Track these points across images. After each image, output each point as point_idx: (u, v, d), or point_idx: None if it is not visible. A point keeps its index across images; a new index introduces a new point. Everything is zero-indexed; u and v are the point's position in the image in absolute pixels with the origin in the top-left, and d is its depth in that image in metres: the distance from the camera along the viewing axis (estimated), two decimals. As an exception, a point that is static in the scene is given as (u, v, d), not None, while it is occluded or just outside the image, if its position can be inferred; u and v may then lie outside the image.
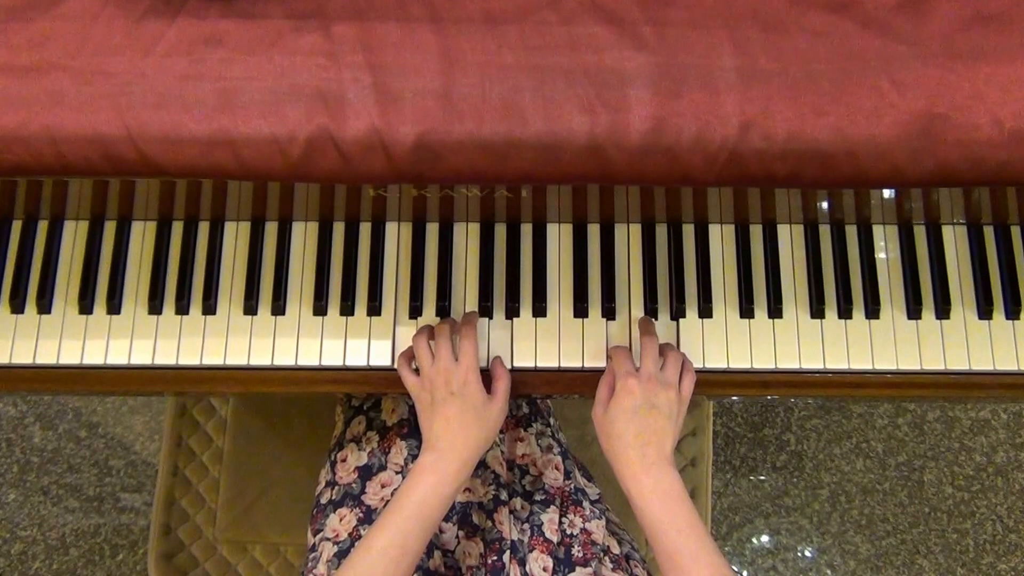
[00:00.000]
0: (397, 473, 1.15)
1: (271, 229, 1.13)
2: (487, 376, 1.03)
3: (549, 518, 1.10)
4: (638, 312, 1.11)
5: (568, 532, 1.09)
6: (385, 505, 1.11)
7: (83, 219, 1.13)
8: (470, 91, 0.88)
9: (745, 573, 2.02)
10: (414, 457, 1.15)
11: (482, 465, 1.15)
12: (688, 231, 1.13)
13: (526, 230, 1.13)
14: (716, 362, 1.09)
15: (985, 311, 1.09)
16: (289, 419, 1.49)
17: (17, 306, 1.09)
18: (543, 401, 1.30)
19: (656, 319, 1.10)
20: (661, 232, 1.13)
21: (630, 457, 0.95)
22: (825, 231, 1.13)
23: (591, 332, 1.10)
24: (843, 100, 0.87)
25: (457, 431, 0.98)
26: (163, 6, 0.90)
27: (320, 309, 1.10)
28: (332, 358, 1.09)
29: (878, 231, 1.13)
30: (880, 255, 1.12)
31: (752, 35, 0.89)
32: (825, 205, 1.10)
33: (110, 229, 1.12)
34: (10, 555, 2.02)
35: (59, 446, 2.07)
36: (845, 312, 1.10)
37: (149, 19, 0.89)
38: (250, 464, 1.47)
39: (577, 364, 1.09)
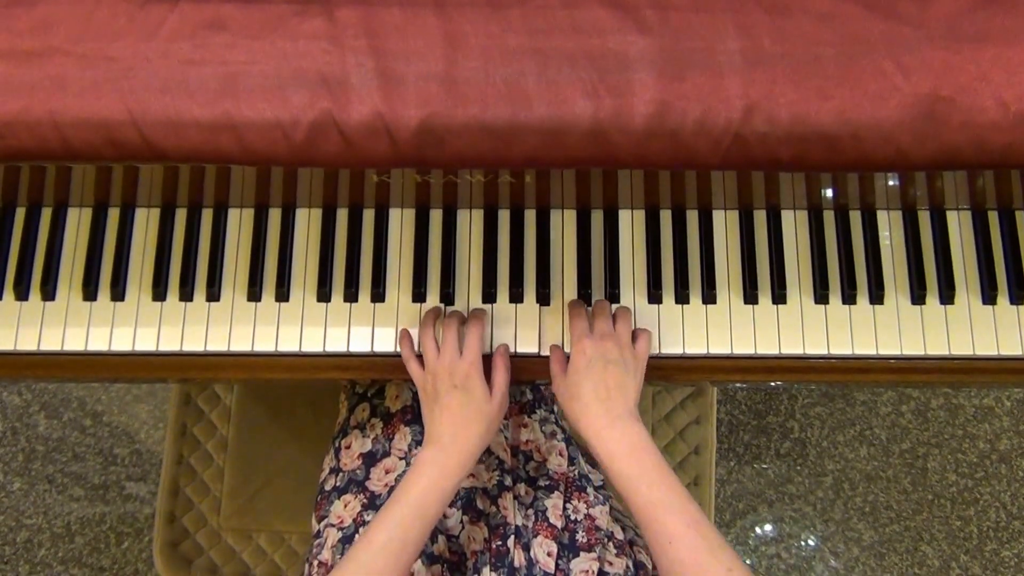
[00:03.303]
0: (401, 459, 1.15)
1: (275, 216, 1.13)
2: (489, 364, 1.03)
3: (553, 504, 1.10)
4: (642, 298, 1.11)
5: (572, 518, 1.09)
6: (389, 491, 1.11)
7: (87, 206, 1.13)
8: (473, 75, 0.88)
9: (749, 561, 2.02)
10: (418, 443, 1.15)
11: (486, 451, 1.15)
12: (692, 217, 1.13)
13: (530, 216, 1.13)
14: (720, 348, 1.09)
15: (989, 296, 1.09)
16: (293, 407, 1.49)
17: (21, 293, 1.09)
18: (547, 387, 1.30)
19: (661, 304, 1.10)
20: (665, 218, 1.13)
21: (592, 414, 0.96)
22: (829, 216, 1.13)
23: (595, 318, 1.10)
24: (848, 83, 0.87)
25: (460, 425, 0.98)
26: (166, -9, 0.90)
27: (324, 295, 1.10)
28: (336, 344, 1.09)
29: (882, 216, 1.12)
30: (884, 240, 1.12)
31: (756, 18, 0.88)
32: (829, 191, 1.10)
33: (114, 216, 1.12)
34: (15, 543, 2.02)
35: (64, 435, 2.07)
36: (849, 298, 1.10)
37: (152, 3, 0.89)
38: (254, 452, 1.48)
39: (581, 350, 1.09)
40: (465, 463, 0.98)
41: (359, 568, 0.92)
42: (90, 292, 1.10)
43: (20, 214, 1.12)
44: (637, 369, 1.00)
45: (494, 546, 1.04)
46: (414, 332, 1.08)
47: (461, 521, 1.08)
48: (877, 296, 1.10)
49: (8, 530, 2.03)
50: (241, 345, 1.09)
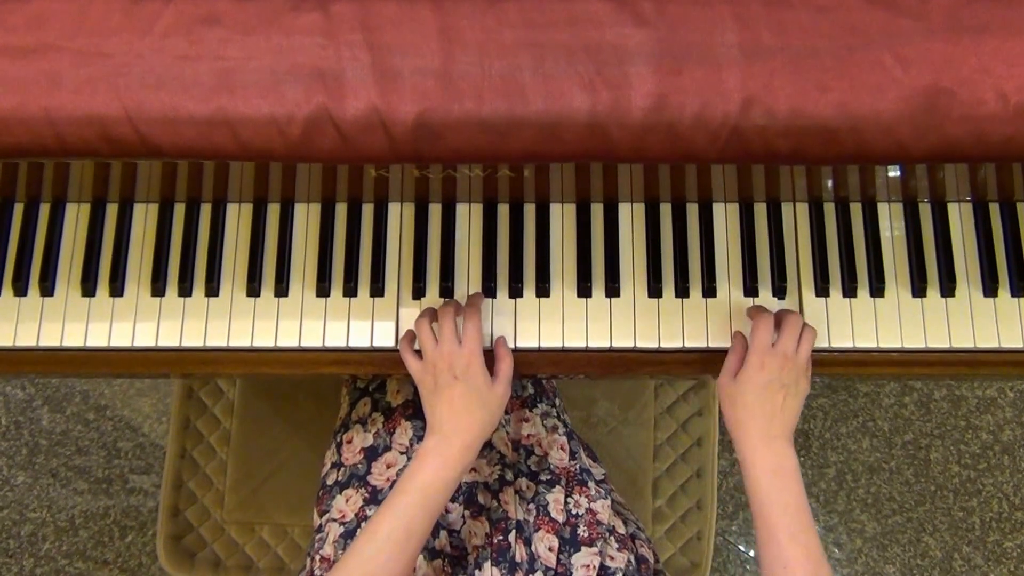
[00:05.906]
0: (402, 454, 1.15)
1: (273, 210, 1.12)
2: (491, 357, 1.03)
3: (554, 498, 1.10)
4: (642, 292, 1.10)
5: (573, 512, 1.09)
6: (391, 486, 1.11)
7: (85, 202, 1.13)
8: (470, 69, 0.87)
9: (752, 553, 2.02)
10: (419, 438, 1.15)
11: (488, 445, 1.15)
12: (692, 210, 1.12)
13: (529, 210, 1.12)
14: (720, 342, 1.09)
15: (990, 288, 1.09)
16: (296, 401, 1.49)
17: (20, 289, 1.09)
18: (548, 381, 1.30)
19: (661, 298, 1.10)
20: (665, 211, 1.12)
21: (754, 428, 0.97)
22: (830, 209, 1.12)
23: (595, 312, 1.10)
24: (846, 75, 0.86)
25: (461, 414, 0.98)
26: (161, -15, 0.89)
27: (323, 290, 1.10)
28: (335, 339, 1.09)
29: (883, 209, 1.12)
30: (885, 233, 1.12)
31: (754, 10, 0.88)
32: (830, 183, 1.09)
33: (112, 211, 1.12)
34: (20, 537, 2.03)
35: (67, 428, 2.08)
36: (850, 291, 1.09)
37: (146, -1, 0.89)
38: (257, 446, 1.48)
39: (581, 344, 1.09)
40: (469, 451, 0.98)
41: (363, 560, 0.92)
42: (89, 288, 1.10)
43: (18, 210, 1.12)
44: (803, 394, 1.01)
45: (495, 541, 1.04)
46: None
47: (462, 516, 1.08)
48: (878, 289, 1.09)
49: (12, 524, 2.04)
50: (240, 340, 1.09)
